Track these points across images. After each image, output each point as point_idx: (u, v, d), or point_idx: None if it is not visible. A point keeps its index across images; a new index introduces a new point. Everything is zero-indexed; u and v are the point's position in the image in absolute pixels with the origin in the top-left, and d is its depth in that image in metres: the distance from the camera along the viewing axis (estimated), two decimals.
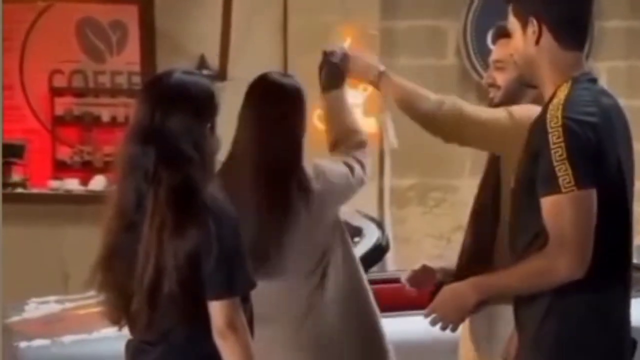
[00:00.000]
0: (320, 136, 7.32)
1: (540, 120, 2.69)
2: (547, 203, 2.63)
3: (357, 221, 4.57)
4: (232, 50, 7.00)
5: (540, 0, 2.83)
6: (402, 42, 7.31)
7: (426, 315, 2.92)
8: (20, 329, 4.57)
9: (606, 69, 7.41)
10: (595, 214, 2.61)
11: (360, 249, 4.54)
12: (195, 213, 2.59)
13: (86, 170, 7.88)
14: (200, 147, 2.67)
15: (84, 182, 7.63)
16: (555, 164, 2.58)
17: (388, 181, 7.31)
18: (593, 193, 2.61)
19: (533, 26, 2.80)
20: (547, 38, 2.80)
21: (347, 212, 4.63)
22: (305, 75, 7.00)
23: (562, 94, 2.70)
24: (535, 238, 2.72)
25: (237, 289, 2.65)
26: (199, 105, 2.73)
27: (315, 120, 7.10)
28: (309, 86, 7.41)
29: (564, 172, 2.58)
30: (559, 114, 2.63)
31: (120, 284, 2.69)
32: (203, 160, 2.66)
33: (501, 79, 3.45)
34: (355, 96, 7.13)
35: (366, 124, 7.16)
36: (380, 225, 4.81)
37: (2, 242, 6.14)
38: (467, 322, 3.41)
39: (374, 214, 6.77)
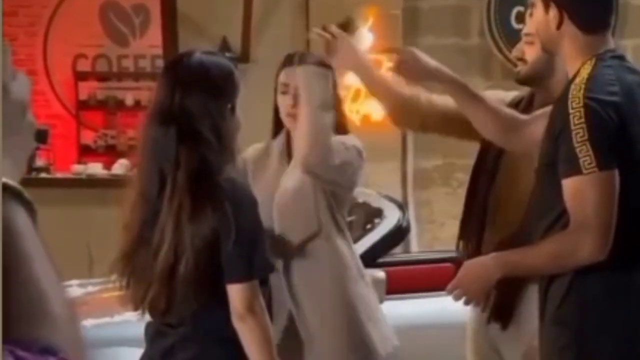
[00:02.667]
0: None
1: (562, 100, 2.66)
2: (568, 184, 2.61)
3: (377, 202, 4.56)
4: (254, 32, 6.98)
5: None
6: (425, 22, 7.26)
7: (449, 291, 2.91)
8: None
9: (632, 47, 7.33)
10: (616, 196, 2.59)
11: (380, 230, 4.54)
12: (212, 196, 2.58)
13: (110, 154, 7.89)
14: (219, 128, 2.66)
15: (108, 166, 7.65)
16: (576, 145, 2.56)
17: (411, 162, 7.27)
18: (615, 174, 2.58)
19: (554, 11, 2.80)
20: (568, 24, 2.79)
21: (367, 193, 4.62)
22: None
23: (584, 73, 2.67)
24: (557, 219, 2.71)
25: (256, 272, 2.64)
26: (219, 85, 2.73)
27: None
28: None
29: (585, 154, 2.55)
30: (581, 94, 2.60)
31: (142, 269, 2.69)
32: (221, 141, 2.66)
33: (530, 53, 3.35)
34: None
35: None
36: (400, 206, 4.79)
37: None
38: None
39: (398, 195, 6.74)
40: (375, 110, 7.16)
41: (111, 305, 3.97)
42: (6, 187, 0.99)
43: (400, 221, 4.61)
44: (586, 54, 2.77)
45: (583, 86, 2.62)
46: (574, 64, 2.77)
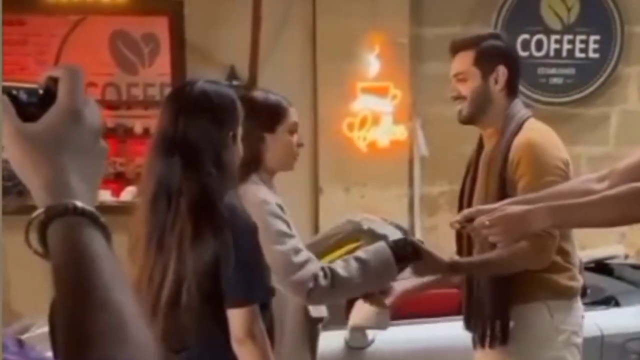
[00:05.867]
0: (347, 142, 7.33)
1: None
2: None
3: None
4: (261, 60, 7.03)
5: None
6: (431, 50, 7.31)
7: (480, 224, 2.92)
8: (47, 339, 4.58)
9: (637, 74, 7.36)
10: None
11: None
12: (213, 222, 2.61)
13: (119, 181, 7.94)
14: (220, 156, 2.69)
15: (117, 193, 7.69)
16: None
17: (418, 189, 7.30)
18: None
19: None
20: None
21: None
22: (334, 83, 7.07)
23: None
24: None
25: (255, 296, 2.67)
26: (221, 114, 2.75)
27: (344, 128, 7.18)
28: (337, 93, 7.44)
29: None
30: None
31: (147, 294, 2.71)
32: (222, 169, 2.69)
33: (465, 89, 3.48)
34: (385, 104, 7.16)
35: (396, 132, 7.19)
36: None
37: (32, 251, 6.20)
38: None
39: (405, 221, 6.76)
40: (382, 136, 7.23)
41: None
42: (83, 212, 1.01)
43: None
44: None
45: None
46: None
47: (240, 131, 2.82)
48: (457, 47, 3.53)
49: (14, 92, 1.05)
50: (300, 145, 3.33)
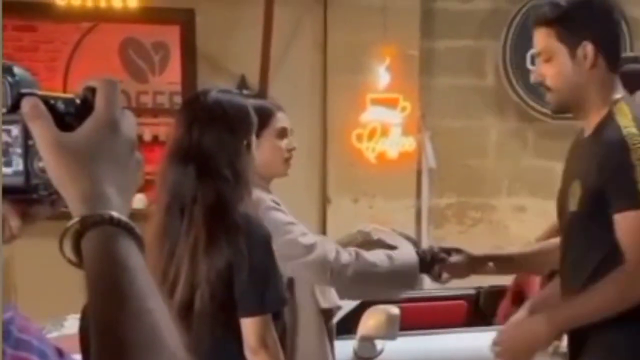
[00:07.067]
0: (356, 153, 7.34)
1: (615, 139, 2.67)
2: (626, 219, 2.61)
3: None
4: (272, 69, 7.05)
5: (594, 23, 2.77)
6: (441, 62, 7.33)
7: (493, 346, 2.89)
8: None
9: None
10: None
11: None
12: (227, 230, 2.62)
13: None
14: (235, 164, 2.71)
15: None
16: (639, 179, 2.57)
17: (426, 200, 7.31)
18: None
19: (585, 51, 2.74)
20: (600, 61, 2.75)
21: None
22: (344, 93, 7.08)
23: (628, 114, 2.70)
24: (603, 261, 2.69)
25: (269, 306, 2.68)
26: (235, 123, 2.77)
27: (354, 139, 7.19)
28: (347, 104, 7.45)
29: None
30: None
31: None
32: (237, 178, 2.70)
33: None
34: (394, 116, 7.17)
35: (405, 144, 7.21)
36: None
37: (43, 257, 6.23)
38: None
39: (412, 232, 6.76)
40: (391, 148, 7.23)
41: None
42: (119, 223, 1.01)
43: None
44: (608, 96, 2.76)
45: (634, 123, 2.66)
46: (596, 109, 2.77)
47: (254, 139, 2.84)
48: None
49: (52, 101, 1.06)
50: (291, 149, 3.32)
